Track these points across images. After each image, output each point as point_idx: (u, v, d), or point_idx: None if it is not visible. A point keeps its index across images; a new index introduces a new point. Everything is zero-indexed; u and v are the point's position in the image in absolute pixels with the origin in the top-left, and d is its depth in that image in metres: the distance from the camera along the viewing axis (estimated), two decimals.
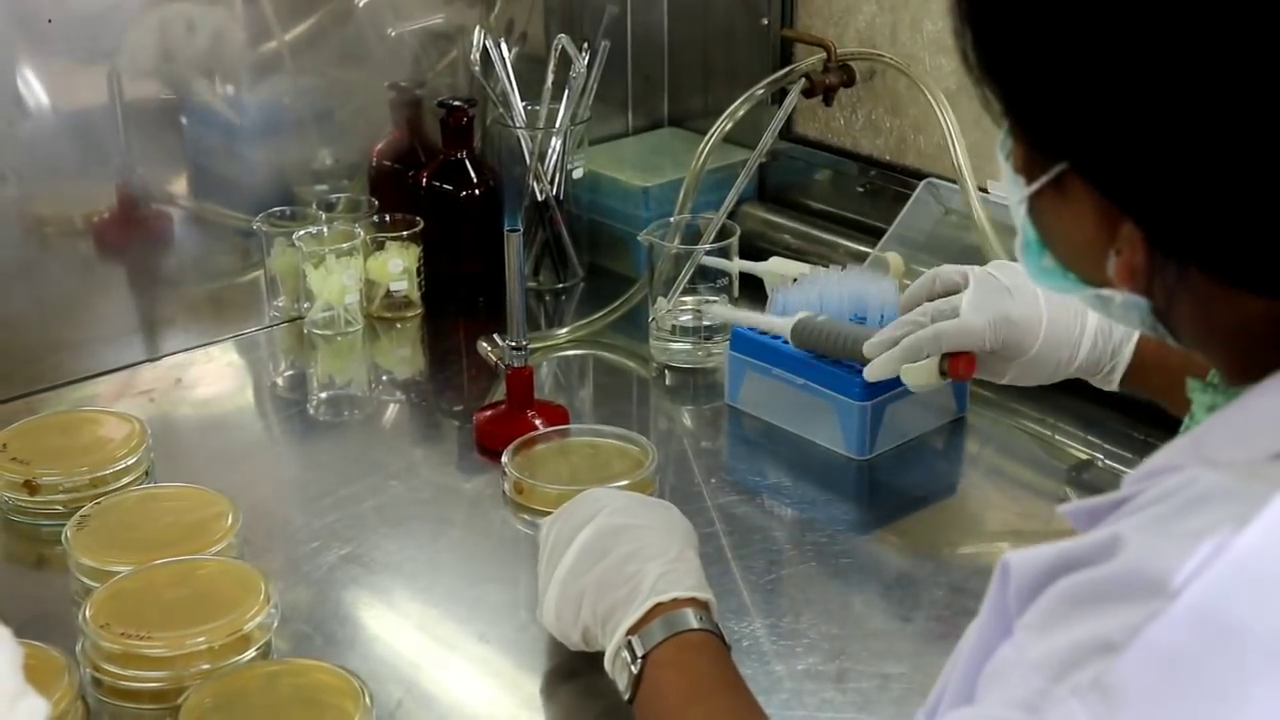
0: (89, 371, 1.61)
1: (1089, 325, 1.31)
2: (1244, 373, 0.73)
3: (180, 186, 1.69)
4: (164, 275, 1.68)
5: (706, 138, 1.70)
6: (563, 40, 1.74)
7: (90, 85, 1.59)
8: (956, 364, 1.32)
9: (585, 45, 1.73)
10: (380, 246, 1.72)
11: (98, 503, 1.31)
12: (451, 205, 1.74)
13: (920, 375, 1.33)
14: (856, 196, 1.78)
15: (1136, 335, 1.30)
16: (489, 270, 1.62)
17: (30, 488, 1.35)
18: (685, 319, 1.64)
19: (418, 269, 1.73)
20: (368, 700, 1.07)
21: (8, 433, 1.40)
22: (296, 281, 1.70)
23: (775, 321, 1.47)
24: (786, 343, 1.45)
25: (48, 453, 1.37)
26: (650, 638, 1.03)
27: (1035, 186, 0.75)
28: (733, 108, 1.70)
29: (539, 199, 1.78)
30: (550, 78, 1.76)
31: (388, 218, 1.74)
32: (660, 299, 1.62)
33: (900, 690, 1.13)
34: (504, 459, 1.39)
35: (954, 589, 1.25)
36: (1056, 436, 1.48)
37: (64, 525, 1.27)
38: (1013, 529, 1.39)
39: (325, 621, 1.22)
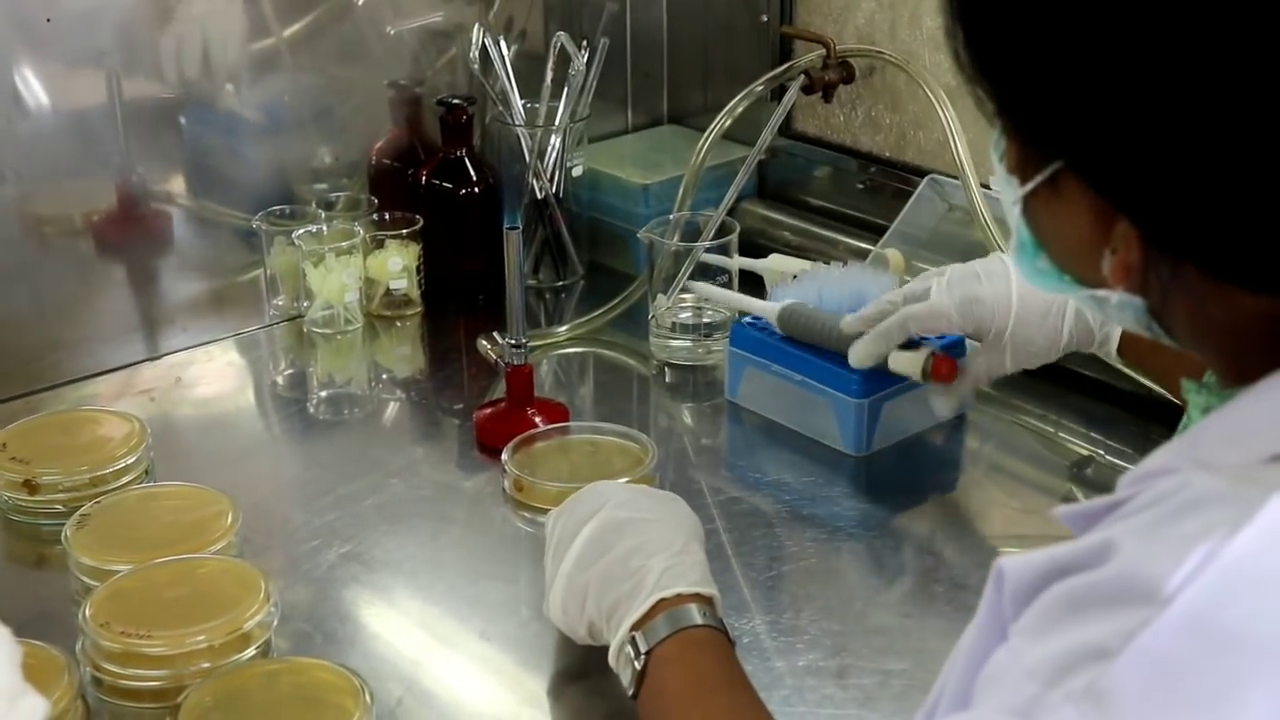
0: (89, 371, 1.61)
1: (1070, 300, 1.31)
2: (1239, 374, 0.73)
3: (179, 185, 1.68)
4: (163, 274, 1.68)
5: (706, 135, 1.69)
6: (562, 38, 1.74)
7: (89, 84, 1.59)
8: (939, 366, 1.34)
9: (584, 43, 1.73)
10: (380, 245, 1.72)
11: (98, 502, 1.31)
12: (451, 203, 1.74)
13: (905, 366, 1.35)
14: (856, 193, 1.78)
15: None
16: (489, 268, 1.61)
17: (30, 487, 1.34)
18: (685, 316, 1.64)
19: (417, 267, 1.73)
20: (368, 698, 1.07)
21: (7, 432, 1.40)
22: (296, 280, 1.70)
23: (761, 304, 1.49)
24: (775, 331, 1.46)
25: (48, 452, 1.37)
26: (654, 634, 1.02)
27: (1029, 186, 0.75)
28: (732, 104, 1.69)
29: (538, 197, 1.78)
30: (549, 75, 1.76)
31: (387, 216, 1.74)
32: (660, 296, 1.61)
33: (901, 686, 1.13)
34: (504, 457, 1.39)
35: (955, 585, 1.25)
36: (1060, 434, 1.48)
37: (64, 524, 1.27)
38: (1014, 525, 1.39)
39: (325, 620, 1.22)
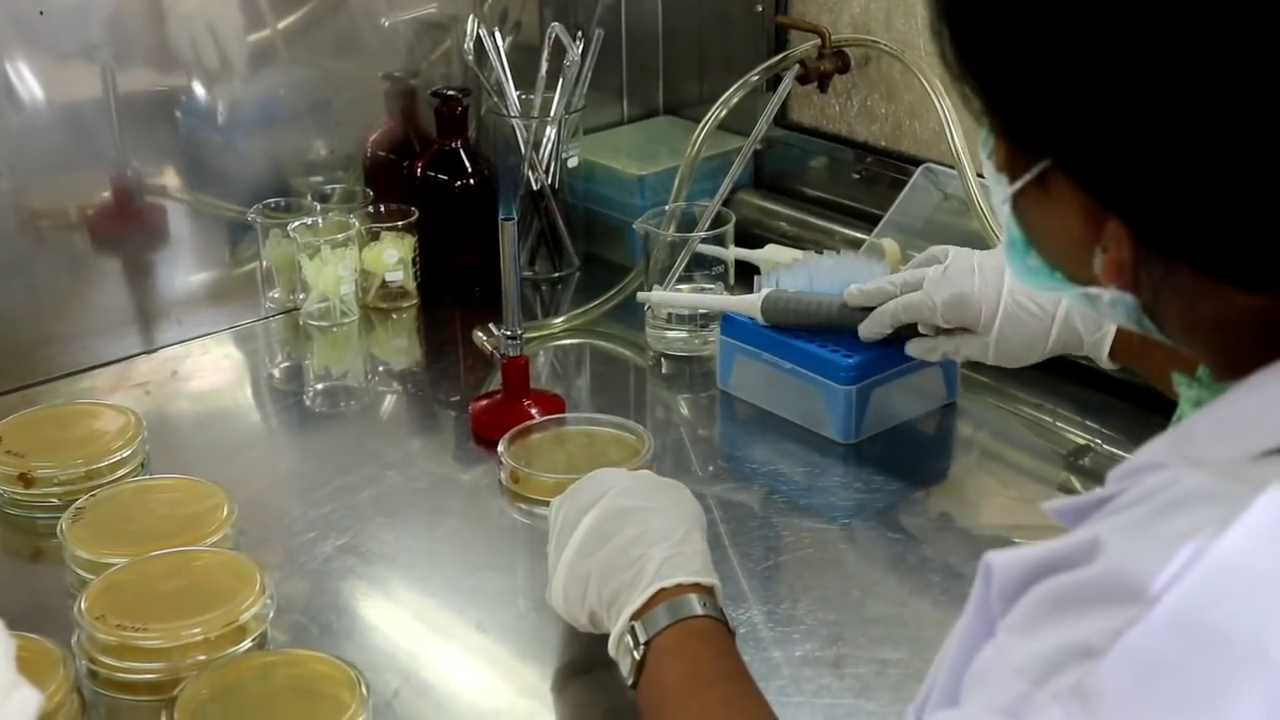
0: (84, 364, 1.61)
1: (1063, 302, 1.30)
2: (1230, 369, 0.73)
3: (174, 178, 1.68)
4: (159, 267, 1.68)
5: (701, 125, 1.69)
6: (556, 28, 1.73)
7: (83, 77, 1.59)
8: None
9: (579, 33, 1.73)
10: (375, 237, 1.72)
11: (93, 495, 1.31)
12: (446, 195, 1.74)
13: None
14: (852, 183, 1.77)
15: None
16: (484, 260, 1.61)
17: (25, 480, 1.34)
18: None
19: (413, 259, 1.73)
20: (364, 690, 1.07)
21: (2, 425, 1.40)
22: (292, 273, 1.69)
23: (737, 299, 1.49)
24: (760, 324, 1.46)
25: (43, 445, 1.37)
26: (654, 624, 1.02)
27: (1019, 185, 0.75)
28: (727, 95, 1.69)
29: (534, 188, 1.78)
30: (544, 66, 1.75)
31: (383, 208, 1.74)
32: (656, 287, 1.61)
33: (898, 675, 1.13)
34: (500, 448, 1.39)
35: (951, 574, 1.25)
36: (1057, 423, 1.48)
37: (59, 518, 1.27)
38: (1010, 514, 1.38)
39: (321, 612, 1.22)
